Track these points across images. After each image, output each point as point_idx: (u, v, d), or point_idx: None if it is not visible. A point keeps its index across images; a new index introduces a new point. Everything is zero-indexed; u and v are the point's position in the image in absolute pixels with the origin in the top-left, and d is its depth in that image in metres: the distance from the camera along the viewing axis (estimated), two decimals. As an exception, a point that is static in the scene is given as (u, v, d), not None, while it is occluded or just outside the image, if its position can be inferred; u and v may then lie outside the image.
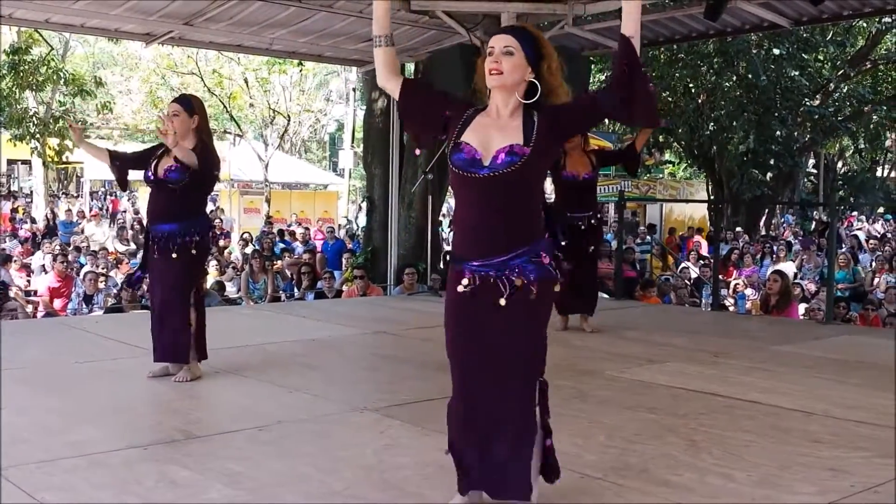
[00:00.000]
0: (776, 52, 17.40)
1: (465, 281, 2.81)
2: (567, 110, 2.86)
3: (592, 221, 6.66)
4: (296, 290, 11.64)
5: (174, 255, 4.89)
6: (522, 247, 2.79)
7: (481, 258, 2.80)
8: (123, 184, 5.53)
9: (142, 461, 3.59)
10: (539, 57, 2.85)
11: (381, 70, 3.06)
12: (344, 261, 12.74)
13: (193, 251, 4.94)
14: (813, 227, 21.74)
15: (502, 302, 2.78)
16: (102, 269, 11.87)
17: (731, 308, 11.22)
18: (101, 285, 10.60)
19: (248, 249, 14.44)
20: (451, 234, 2.75)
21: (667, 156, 26.14)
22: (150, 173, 4.99)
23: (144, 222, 5.28)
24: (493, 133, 2.83)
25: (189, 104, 5.03)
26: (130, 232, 16.87)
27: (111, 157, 5.24)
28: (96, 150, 5.37)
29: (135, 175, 5.48)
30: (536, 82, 2.83)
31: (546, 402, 2.96)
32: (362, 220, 16.68)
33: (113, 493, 3.24)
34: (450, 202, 20.10)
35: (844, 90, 19.95)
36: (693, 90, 19.45)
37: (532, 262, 2.79)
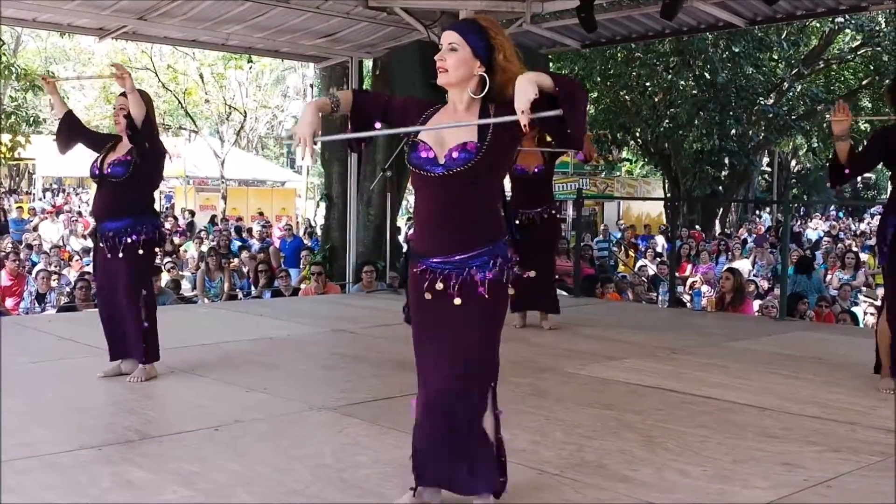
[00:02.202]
0: (735, 49, 17.62)
1: (439, 284, 2.80)
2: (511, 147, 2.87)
3: (545, 216, 6.64)
4: (253, 288, 11.55)
5: (120, 254, 4.80)
6: (483, 246, 2.80)
7: (442, 255, 2.81)
8: (63, 147, 5.19)
9: (96, 462, 3.54)
10: (490, 48, 2.83)
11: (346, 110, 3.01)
12: (302, 258, 12.67)
13: (141, 250, 4.85)
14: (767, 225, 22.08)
15: (457, 301, 2.79)
16: (55, 267, 11.68)
17: (688, 304, 11.37)
18: (54, 283, 10.44)
19: (204, 247, 14.31)
20: (410, 229, 2.76)
21: (624, 153, 26.37)
22: (95, 168, 4.92)
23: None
24: (450, 131, 2.82)
25: None
26: (84, 229, 16.63)
27: (65, 116, 5.09)
28: (60, 104, 5.19)
29: (84, 171, 5.38)
30: (486, 76, 2.81)
31: (495, 402, 2.95)
32: (320, 218, 16.60)
33: (67, 494, 3.18)
34: (409, 199, 20.09)
35: (798, 89, 20.27)
36: (650, 89, 19.63)
37: (491, 263, 2.80)
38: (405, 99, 3.05)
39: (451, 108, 2.89)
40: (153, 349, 4.97)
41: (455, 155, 2.78)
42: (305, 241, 15.66)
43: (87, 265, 12.38)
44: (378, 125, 3.01)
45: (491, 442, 2.88)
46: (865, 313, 9.96)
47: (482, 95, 2.83)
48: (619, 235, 19.26)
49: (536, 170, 6.63)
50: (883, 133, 5.00)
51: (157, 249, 5.16)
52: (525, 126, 2.62)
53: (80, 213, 21.27)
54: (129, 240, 4.80)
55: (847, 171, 4.92)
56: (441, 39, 2.88)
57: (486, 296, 2.78)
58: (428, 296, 2.84)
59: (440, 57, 2.83)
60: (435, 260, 2.82)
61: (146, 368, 4.94)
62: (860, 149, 5.03)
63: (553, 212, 6.73)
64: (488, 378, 2.88)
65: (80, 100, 27.85)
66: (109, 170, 4.87)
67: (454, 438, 2.84)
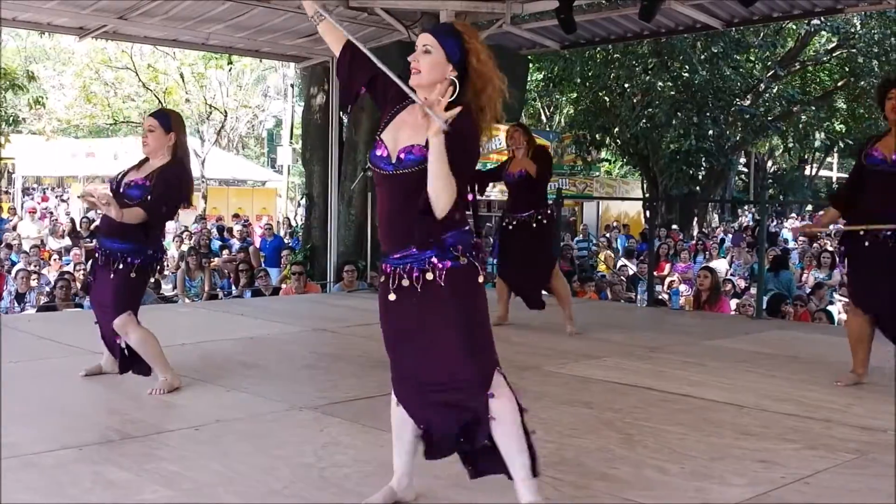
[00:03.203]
0: (714, 49, 17.75)
1: (405, 281, 2.81)
2: (459, 140, 2.72)
3: (533, 224, 6.71)
4: (233, 287, 11.53)
5: (112, 275, 4.67)
6: (433, 242, 2.78)
7: (398, 252, 2.84)
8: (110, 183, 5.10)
9: (76, 462, 3.53)
10: (464, 52, 2.83)
11: (329, 41, 3.21)
12: (283, 258, 12.65)
13: (133, 274, 4.68)
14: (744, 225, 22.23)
15: (391, 297, 2.82)
16: (35, 266, 11.61)
17: (667, 304, 11.45)
18: (34, 283, 10.37)
19: (185, 247, 14.25)
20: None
21: (603, 154, 26.48)
22: (113, 182, 4.77)
23: (79, 226, 5.11)
24: (406, 131, 2.85)
25: (167, 120, 4.79)
26: (63, 229, 16.51)
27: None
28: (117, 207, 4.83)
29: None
30: (455, 81, 2.80)
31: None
32: (301, 218, 16.58)
33: (47, 494, 3.18)
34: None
35: (774, 90, 20.43)
36: (628, 90, 19.73)
37: (445, 256, 2.78)
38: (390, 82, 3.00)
39: (416, 109, 2.84)
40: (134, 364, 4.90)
41: (402, 157, 2.80)
42: (287, 241, 15.62)
43: (67, 265, 12.31)
44: (363, 90, 3.09)
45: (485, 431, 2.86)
46: (840, 312, 10.06)
47: (451, 99, 2.77)
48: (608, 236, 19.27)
49: (519, 174, 6.71)
50: (858, 153, 5.09)
51: (149, 277, 5.03)
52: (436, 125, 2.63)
53: (50, 213, 21.13)
54: (121, 265, 4.65)
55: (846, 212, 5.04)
56: (417, 41, 2.91)
57: (443, 288, 2.77)
58: (392, 297, 2.84)
59: (414, 58, 2.86)
60: (394, 256, 2.85)
61: (167, 379, 4.80)
62: (843, 185, 5.13)
63: (540, 217, 6.77)
64: (462, 371, 2.83)
65: (60, 99, 27.63)
66: (124, 190, 4.68)
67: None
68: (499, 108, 2.90)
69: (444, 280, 2.77)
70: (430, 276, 2.78)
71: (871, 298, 4.91)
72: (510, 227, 6.82)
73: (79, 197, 4.89)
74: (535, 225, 6.71)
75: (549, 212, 6.85)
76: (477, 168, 3.30)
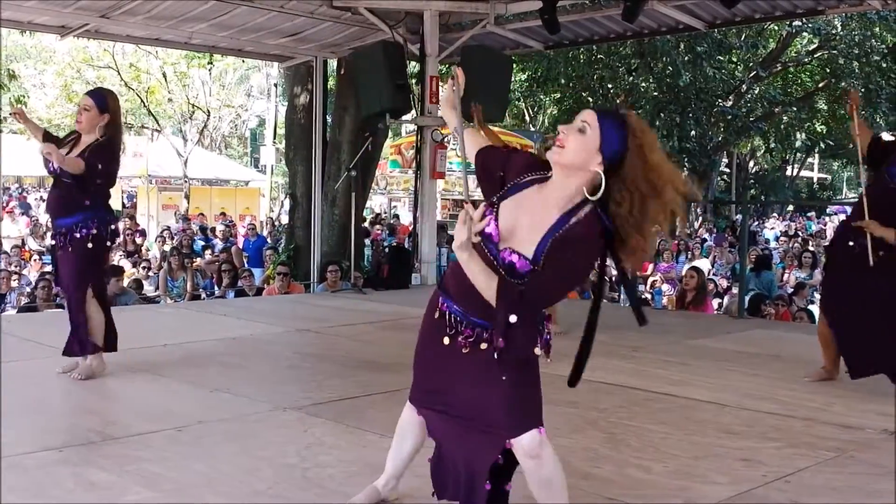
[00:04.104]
0: (698, 49, 17.83)
1: (446, 340, 2.64)
2: (560, 254, 2.39)
3: None
4: (216, 287, 11.48)
5: (70, 249, 4.80)
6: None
7: (463, 307, 2.61)
8: (48, 167, 5.27)
9: (58, 464, 3.51)
10: (624, 150, 2.37)
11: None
12: (266, 258, 12.61)
13: (90, 244, 4.81)
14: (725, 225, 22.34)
15: (446, 341, 2.64)
16: (15, 267, 11.52)
17: (650, 303, 11.49)
18: (14, 284, 10.29)
19: (167, 246, 14.19)
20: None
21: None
22: (52, 165, 4.87)
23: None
24: (523, 221, 2.47)
25: (102, 101, 4.90)
26: (44, 230, 16.41)
27: (43, 137, 5.07)
28: (35, 128, 5.22)
29: (45, 171, 5.30)
30: (602, 176, 2.37)
31: None
32: (284, 218, 16.54)
33: (29, 496, 3.16)
34: (373, 199, 20.07)
35: (756, 91, 20.55)
36: (612, 90, 19.79)
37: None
38: (524, 156, 2.67)
39: (548, 188, 2.48)
40: (110, 341, 4.97)
41: (506, 259, 2.45)
42: (269, 241, 15.57)
43: (48, 265, 12.23)
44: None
45: None
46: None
47: (595, 198, 2.39)
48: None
49: None
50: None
51: (108, 244, 5.07)
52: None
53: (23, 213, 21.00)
54: (78, 235, 4.79)
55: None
56: (578, 116, 2.48)
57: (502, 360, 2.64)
58: (446, 341, 2.66)
59: (564, 132, 2.42)
60: (459, 308, 2.63)
61: (89, 363, 4.90)
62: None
63: None
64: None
65: (41, 98, 27.43)
66: (61, 169, 4.81)
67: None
68: (666, 227, 2.45)
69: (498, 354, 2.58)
70: (483, 345, 2.59)
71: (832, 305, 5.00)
72: None
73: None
74: None
75: None
76: None
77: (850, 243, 4.83)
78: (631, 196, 2.38)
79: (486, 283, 2.40)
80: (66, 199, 4.85)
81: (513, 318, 2.42)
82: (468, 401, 2.66)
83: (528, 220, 2.45)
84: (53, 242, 4.98)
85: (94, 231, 4.83)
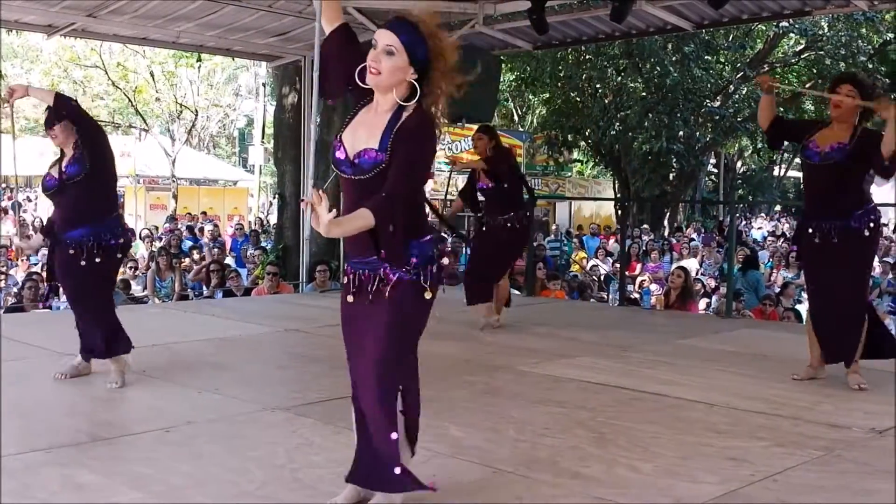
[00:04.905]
0: (686, 49, 17.88)
1: (349, 298, 2.92)
2: (403, 146, 2.72)
3: (509, 224, 6.80)
4: (204, 288, 11.44)
5: (82, 262, 4.73)
6: (395, 253, 2.77)
7: (358, 256, 2.85)
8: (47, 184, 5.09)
9: (45, 465, 3.49)
10: (427, 59, 2.74)
11: (323, 20, 3.02)
12: (255, 257, 12.58)
13: (97, 258, 4.76)
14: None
15: (349, 298, 2.89)
16: (2, 267, 11.45)
17: (638, 303, 11.52)
18: (1, 284, 10.23)
19: (155, 247, 14.13)
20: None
21: (575, 154, 26.60)
22: (52, 180, 4.83)
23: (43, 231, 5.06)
24: (362, 133, 2.81)
25: (61, 116, 4.85)
26: (32, 229, 16.32)
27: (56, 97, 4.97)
28: (44, 93, 5.16)
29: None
30: (416, 84, 2.74)
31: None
32: (273, 217, 16.51)
33: (15, 497, 3.14)
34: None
35: (744, 92, 20.62)
36: (600, 90, 19.83)
37: (400, 266, 2.79)
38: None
39: (374, 107, 2.83)
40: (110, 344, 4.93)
41: (357, 161, 2.78)
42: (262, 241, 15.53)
43: (35, 265, 12.16)
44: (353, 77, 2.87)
45: (386, 440, 2.90)
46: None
47: (412, 103, 2.76)
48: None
49: (485, 186, 6.90)
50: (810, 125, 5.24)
51: (118, 255, 5.02)
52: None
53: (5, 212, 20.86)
54: (91, 246, 4.75)
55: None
56: (376, 36, 2.74)
57: (396, 296, 2.80)
58: (350, 298, 2.91)
59: (374, 58, 2.72)
60: (354, 260, 2.88)
61: (117, 365, 4.88)
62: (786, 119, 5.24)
63: (517, 220, 6.87)
64: (384, 381, 2.88)
65: (28, 97, 27.26)
66: (67, 171, 4.78)
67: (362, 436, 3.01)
68: (445, 107, 2.84)
69: (389, 292, 2.80)
70: (383, 283, 2.81)
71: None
72: (485, 229, 6.98)
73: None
74: (508, 227, 6.80)
75: (522, 217, 6.93)
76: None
77: (810, 230, 4.94)
78: (439, 93, 2.79)
79: (363, 222, 2.65)
80: (74, 209, 4.80)
81: (391, 228, 2.66)
82: (358, 362, 2.94)
83: (365, 131, 2.80)
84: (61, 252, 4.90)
85: (105, 242, 4.79)
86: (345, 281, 2.96)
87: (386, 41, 2.72)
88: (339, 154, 2.83)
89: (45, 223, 5.19)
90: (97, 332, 4.86)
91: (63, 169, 4.81)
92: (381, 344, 2.83)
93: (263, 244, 14.27)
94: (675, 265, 11.94)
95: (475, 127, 7.84)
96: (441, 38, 2.77)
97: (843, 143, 4.82)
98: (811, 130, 5.09)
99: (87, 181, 4.78)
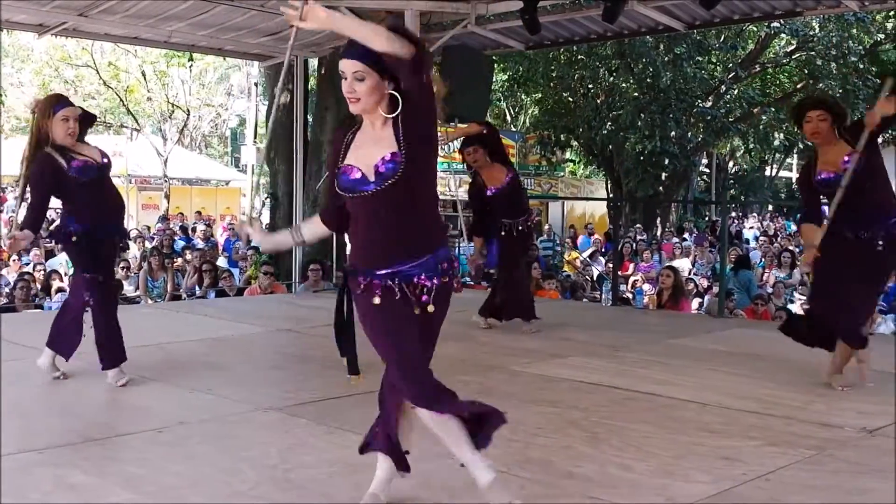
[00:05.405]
0: (677, 51, 17.91)
1: (376, 299, 2.82)
2: (414, 109, 2.80)
3: (521, 227, 6.78)
4: (197, 288, 11.43)
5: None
6: (424, 255, 2.82)
7: (386, 267, 2.81)
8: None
9: (38, 465, 3.48)
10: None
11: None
12: (248, 257, 12.56)
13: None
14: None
15: (376, 301, 2.82)
16: (-7, 266, 11.42)
17: (631, 302, 11.54)
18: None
19: (146, 246, 14.10)
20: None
21: (568, 154, 26.61)
22: (93, 163, 4.79)
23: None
24: (369, 149, 2.82)
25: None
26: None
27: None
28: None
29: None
30: (397, 94, 2.79)
31: None
32: (266, 217, 16.47)
33: (8, 497, 3.13)
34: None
35: (735, 92, 20.65)
36: (592, 90, 19.84)
37: (438, 268, 2.83)
38: (332, 150, 2.96)
39: (369, 128, 2.87)
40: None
41: (382, 169, 2.76)
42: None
43: (27, 265, 12.13)
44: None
45: None
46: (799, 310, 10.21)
47: (395, 113, 2.80)
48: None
49: (498, 189, 6.74)
50: (806, 180, 5.04)
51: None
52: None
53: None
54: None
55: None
56: (342, 67, 2.80)
57: (433, 302, 2.83)
58: (377, 300, 2.82)
59: (349, 89, 2.78)
60: (381, 272, 2.81)
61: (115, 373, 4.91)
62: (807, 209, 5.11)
63: (527, 222, 6.89)
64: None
65: (19, 97, 27.16)
66: (106, 161, 4.86)
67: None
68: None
69: (434, 297, 2.83)
70: (418, 291, 2.83)
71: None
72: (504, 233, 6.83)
73: None
74: (521, 230, 6.79)
75: (528, 220, 6.95)
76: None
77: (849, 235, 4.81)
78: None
79: (370, 30, 2.74)
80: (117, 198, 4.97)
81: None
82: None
83: (372, 148, 2.82)
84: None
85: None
86: (359, 292, 2.87)
87: (351, 69, 2.77)
88: (354, 175, 2.81)
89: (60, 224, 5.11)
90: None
91: (101, 159, 4.83)
92: (434, 343, 2.95)
93: (255, 244, 14.22)
94: (664, 265, 11.95)
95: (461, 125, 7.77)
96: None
97: (849, 155, 4.78)
98: (810, 169, 5.01)
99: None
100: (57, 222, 4.98)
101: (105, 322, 4.85)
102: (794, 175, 38.56)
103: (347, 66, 2.78)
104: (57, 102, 4.81)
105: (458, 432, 2.89)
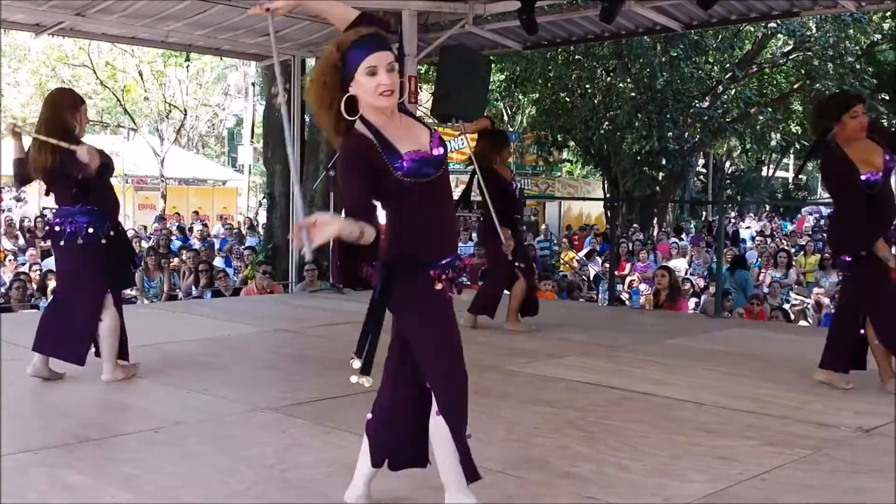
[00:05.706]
0: (674, 51, 17.94)
1: (448, 290, 2.79)
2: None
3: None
4: (193, 288, 11.41)
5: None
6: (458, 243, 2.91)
7: (450, 254, 2.80)
8: (20, 185, 5.25)
9: (33, 466, 3.48)
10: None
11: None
12: (244, 257, 12.55)
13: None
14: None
15: (455, 293, 2.84)
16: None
17: (627, 302, 11.55)
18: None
19: (143, 246, 14.08)
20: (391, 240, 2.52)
21: (565, 154, 26.64)
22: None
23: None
24: (411, 139, 2.71)
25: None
26: (18, 230, 16.24)
27: (25, 158, 4.84)
28: (20, 150, 4.92)
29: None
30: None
31: None
32: (262, 217, 16.48)
33: (4, 498, 3.12)
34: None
35: (732, 92, 20.69)
36: (589, 91, 19.86)
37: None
38: (363, 166, 2.66)
39: (397, 121, 2.73)
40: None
41: (436, 152, 2.72)
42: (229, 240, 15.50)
43: (23, 265, 12.12)
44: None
45: None
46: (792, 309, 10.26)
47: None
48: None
49: (515, 185, 6.95)
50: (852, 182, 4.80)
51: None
52: None
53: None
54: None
55: None
56: (378, 59, 2.63)
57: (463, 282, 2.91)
58: (450, 292, 2.81)
59: (388, 81, 2.61)
60: (444, 260, 2.77)
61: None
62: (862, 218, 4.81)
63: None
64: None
65: (16, 97, 27.17)
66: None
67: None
68: None
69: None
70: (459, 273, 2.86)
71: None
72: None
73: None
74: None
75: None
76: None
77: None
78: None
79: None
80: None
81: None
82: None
83: (412, 139, 2.70)
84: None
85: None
86: (438, 285, 2.76)
87: (386, 60, 2.64)
88: (420, 156, 2.66)
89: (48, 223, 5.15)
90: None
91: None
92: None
93: (250, 243, 14.22)
94: (659, 265, 11.96)
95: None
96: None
97: (885, 152, 4.73)
98: (846, 163, 4.74)
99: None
100: (57, 222, 4.90)
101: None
102: (791, 175, 38.71)
103: (382, 58, 2.63)
104: (80, 98, 4.92)
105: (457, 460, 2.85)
